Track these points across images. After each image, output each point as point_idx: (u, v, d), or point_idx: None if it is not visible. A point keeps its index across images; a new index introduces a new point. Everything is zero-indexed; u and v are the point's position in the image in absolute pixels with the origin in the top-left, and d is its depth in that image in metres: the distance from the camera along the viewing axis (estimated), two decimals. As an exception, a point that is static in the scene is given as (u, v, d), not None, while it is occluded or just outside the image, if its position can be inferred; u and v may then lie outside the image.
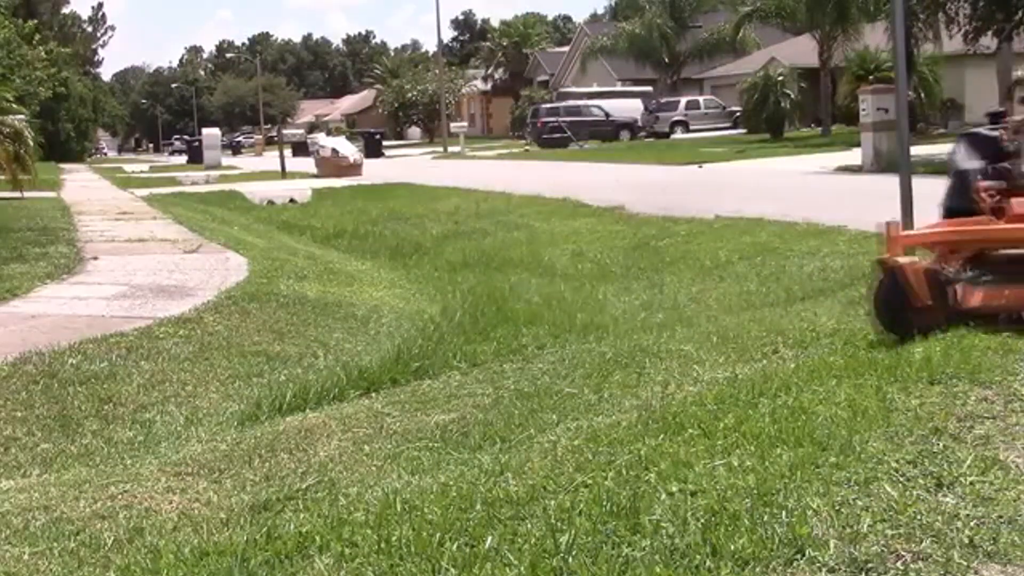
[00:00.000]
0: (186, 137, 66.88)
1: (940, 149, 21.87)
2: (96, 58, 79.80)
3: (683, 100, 48.67)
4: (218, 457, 4.60)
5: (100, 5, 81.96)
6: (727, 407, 4.45)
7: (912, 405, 4.11)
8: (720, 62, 50.72)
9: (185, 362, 6.39)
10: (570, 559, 3.06)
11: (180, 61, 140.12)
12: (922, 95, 29.12)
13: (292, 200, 21.03)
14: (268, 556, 3.19)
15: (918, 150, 16.84)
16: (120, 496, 4.10)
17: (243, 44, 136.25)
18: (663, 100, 48.94)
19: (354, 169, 29.40)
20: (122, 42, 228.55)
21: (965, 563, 2.83)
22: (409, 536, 3.39)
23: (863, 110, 19.16)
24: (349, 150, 31.95)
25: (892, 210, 8.02)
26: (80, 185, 28.12)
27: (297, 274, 9.81)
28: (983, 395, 4.21)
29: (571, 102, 47.34)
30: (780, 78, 34.11)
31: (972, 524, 3.02)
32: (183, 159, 52.77)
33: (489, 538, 3.26)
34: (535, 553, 3.14)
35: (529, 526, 3.37)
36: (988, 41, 22.98)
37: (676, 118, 47.19)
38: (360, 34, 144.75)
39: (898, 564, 2.85)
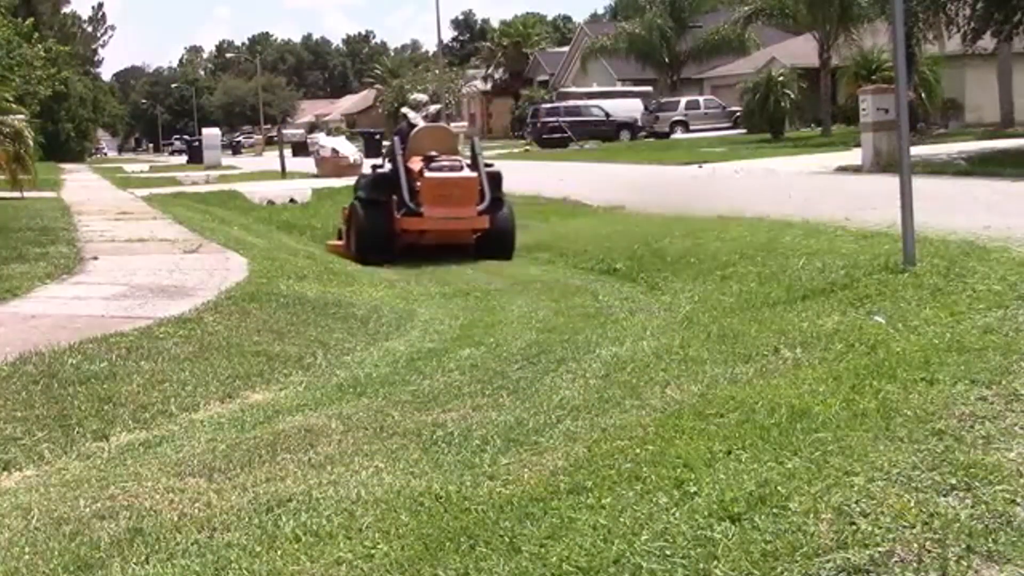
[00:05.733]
0: (186, 137, 66.90)
1: (940, 149, 21.90)
2: (96, 58, 79.76)
3: (683, 100, 48.72)
4: (218, 457, 4.59)
5: (100, 5, 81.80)
6: (727, 408, 4.45)
7: (912, 406, 4.11)
8: (720, 62, 50.73)
9: (185, 362, 6.38)
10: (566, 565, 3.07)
11: (180, 61, 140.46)
12: (922, 95, 29.11)
13: (292, 200, 21.05)
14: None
15: (918, 150, 16.85)
16: (120, 496, 4.10)
17: (243, 44, 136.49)
18: (663, 100, 48.99)
19: (354, 169, 29.35)
20: (122, 42, 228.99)
21: (965, 564, 2.83)
22: (410, 539, 3.39)
23: (863, 110, 19.17)
24: (349, 150, 31.99)
25: (892, 210, 8.02)
26: (80, 185, 28.13)
27: (297, 274, 9.82)
28: (983, 395, 4.21)
29: (571, 102, 47.39)
30: (780, 78, 34.12)
31: (972, 525, 3.02)
32: (183, 159, 52.81)
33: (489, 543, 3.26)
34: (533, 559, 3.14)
35: (530, 530, 3.37)
36: (987, 43, 22.96)
37: (676, 118, 47.25)
38: (360, 34, 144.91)
39: (898, 566, 2.85)
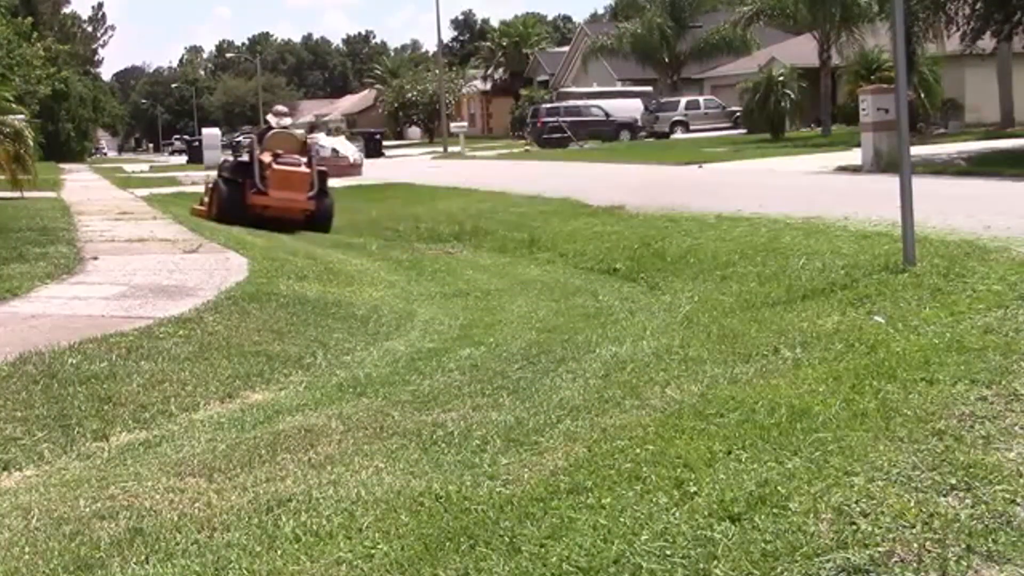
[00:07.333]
0: (186, 137, 66.87)
1: (940, 149, 21.91)
2: (96, 58, 79.74)
3: (683, 100, 48.67)
4: (218, 457, 4.59)
5: (100, 5, 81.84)
6: (727, 408, 4.45)
7: (912, 406, 4.11)
8: (720, 62, 50.71)
9: (185, 362, 6.38)
10: (566, 565, 3.07)
11: (180, 61, 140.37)
12: (922, 95, 29.10)
13: (292, 199, 20.98)
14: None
15: (918, 150, 16.85)
16: (120, 496, 4.09)
17: (243, 44, 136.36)
18: (663, 100, 48.94)
19: (354, 169, 29.40)
20: (122, 42, 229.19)
21: (965, 564, 2.83)
22: (410, 539, 3.39)
23: (863, 110, 19.16)
24: (349, 150, 31.92)
25: (892, 209, 8.02)
26: (80, 185, 28.11)
27: (297, 274, 9.82)
28: (983, 395, 4.21)
29: (571, 102, 47.33)
30: (780, 78, 34.10)
31: (972, 525, 3.02)
32: (183, 159, 52.78)
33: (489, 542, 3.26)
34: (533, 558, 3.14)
35: (530, 530, 3.37)
36: (986, 43, 22.95)
37: (676, 118, 47.20)
38: (360, 34, 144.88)
39: (898, 566, 2.85)
